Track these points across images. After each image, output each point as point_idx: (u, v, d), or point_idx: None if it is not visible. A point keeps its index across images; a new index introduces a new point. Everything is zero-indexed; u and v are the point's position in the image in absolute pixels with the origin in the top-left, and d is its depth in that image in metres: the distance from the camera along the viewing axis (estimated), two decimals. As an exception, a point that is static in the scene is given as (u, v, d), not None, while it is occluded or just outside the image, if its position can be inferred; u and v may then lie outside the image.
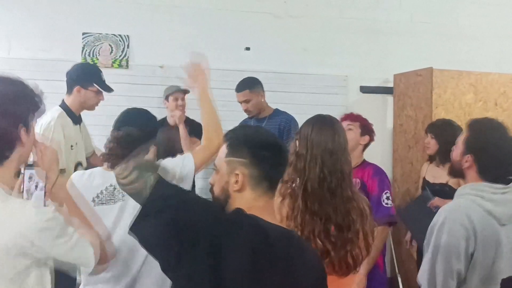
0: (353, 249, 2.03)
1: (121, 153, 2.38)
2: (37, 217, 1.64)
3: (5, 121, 1.65)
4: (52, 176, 1.91)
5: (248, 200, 1.65)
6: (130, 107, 2.69)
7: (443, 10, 5.85)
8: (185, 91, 4.57)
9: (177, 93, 4.57)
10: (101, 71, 3.70)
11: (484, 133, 2.26)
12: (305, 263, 1.63)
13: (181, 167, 2.35)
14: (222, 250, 1.52)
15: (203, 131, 2.72)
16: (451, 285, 2.16)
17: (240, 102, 4.46)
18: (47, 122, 3.42)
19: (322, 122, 2.16)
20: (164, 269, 1.58)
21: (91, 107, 3.68)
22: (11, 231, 1.61)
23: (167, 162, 2.39)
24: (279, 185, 2.11)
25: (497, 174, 2.20)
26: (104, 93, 3.65)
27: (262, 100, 4.47)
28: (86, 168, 3.43)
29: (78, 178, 2.46)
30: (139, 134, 2.42)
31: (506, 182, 2.20)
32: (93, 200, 2.36)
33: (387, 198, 3.13)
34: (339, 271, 2.03)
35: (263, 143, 1.71)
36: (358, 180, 3.00)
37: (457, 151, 2.32)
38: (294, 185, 2.08)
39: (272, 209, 1.70)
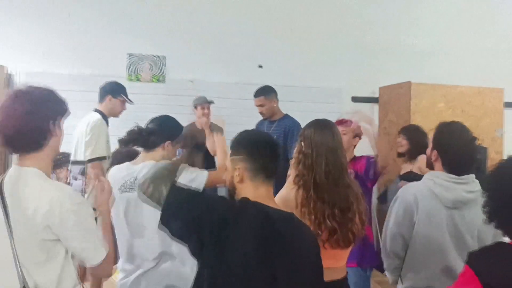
0: (353, 226, 2.07)
1: (135, 138, 2.42)
2: (70, 197, 1.67)
3: (39, 117, 1.71)
4: (104, 211, 1.91)
5: (250, 189, 1.68)
6: (166, 114, 2.68)
7: (421, 34, 5.81)
8: (210, 102, 4.60)
9: (204, 103, 4.60)
10: (125, 88, 3.91)
11: (446, 133, 2.28)
12: (304, 240, 1.66)
13: (191, 180, 2.33)
14: (233, 232, 1.55)
15: (216, 161, 2.78)
16: (395, 245, 2.28)
17: (257, 106, 4.45)
18: (95, 120, 3.64)
19: (321, 125, 2.17)
20: (193, 253, 1.60)
21: (116, 114, 3.86)
22: (45, 205, 1.62)
23: (184, 175, 2.38)
24: (294, 177, 2.15)
25: (457, 168, 2.21)
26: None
27: (275, 105, 4.44)
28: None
29: (112, 171, 2.50)
30: (155, 130, 2.43)
31: (463, 175, 2.21)
32: (120, 188, 2.36)
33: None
34: (342, 244, 2.07)
35: (256, 141, 1.75)
36: (352, 171, 2.93)
37: (429, 148, 2.35)
38: (304, 178, 2.09)
39: (272, 196, 1.72)
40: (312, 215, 2.01)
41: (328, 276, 2.06)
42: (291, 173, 2.20)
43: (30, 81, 4.75)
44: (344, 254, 2.14)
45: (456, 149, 2.21)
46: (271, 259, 1.54)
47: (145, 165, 2.37)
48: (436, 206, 2.18)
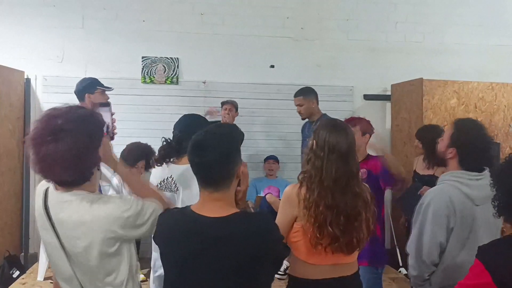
0: (358, 234, 1.99)
1: (168, 154, 2.42)
2: (116, 211, 1.60)
3: (94, 153, 1.60)
4: (112, 163, 1.80)
5: (200, 197, 1.68)
6: (187, 114, 2.67)
7: (431, 31, 5.77)
8: (235, 105, 4.75)
9: (226, 104, 4.74)
10: (96, 78, 3.80)
11: (466, 130, 2.24)
12: (233, 245, 1.57)
13: None
14: (171, 243, 1.65)
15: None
16: (435, 253, 2.17)
17: (296, 105, 4.47)
18: None
19: (336, 127, 2.08)
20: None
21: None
22: (100, 227, 1.58)
23: None
24: (301, 174, 2.09)
25: (474, 164, 2.19)
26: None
27: (313, 106, 4.44)
28: None
29: (154, 170, 2.53)
30: (182, 136, 2.40)
31: (480, 170, 2.19)
32: (157, 186, 2.41)
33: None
34: (345, 251, 2.00)
35: (191, 145, 1.65)
36: (365, 170, 2.88)
37: (442, 144, 2.30)
38: (312, 178, 2.02)
39: (211, 202, 1.63)
40: (312, 218, 1.94)
41: (337, 273, 2.04)
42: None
43: (47, 85, 4.85)
44: (347, 258, 2.06)
45: (475, 146, 2.18)
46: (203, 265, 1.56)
47: (179, 168, 2.39)
48: (469, 206, 2.14)
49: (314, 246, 1.97)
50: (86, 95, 3.68)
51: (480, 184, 2.14)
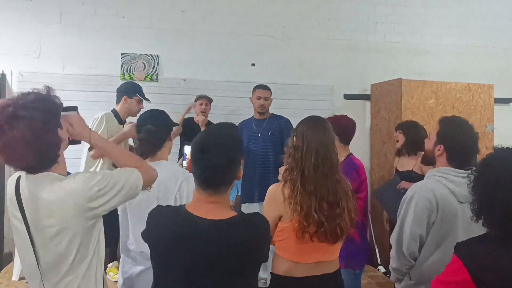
0: (341, 222, 2.04)
1: (147, 150, 2.40)
2: (85, 185, 1.60)
3: (51, 134, 1.60)
4: (86, 135, 1.78)
5: (195, 197, 1.69)
6: (151, 109, 2.68)
7: (410, 32, 5.84)
8: (209, 99, 4.70)
9: (203, 98, 4.70)
10: (141, 88, 3.90)
11: (453, 127, 2.28)
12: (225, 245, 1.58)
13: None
14: (168, 243, 1.61)
15: None
16: (414, 246, 2.22)
17: (260, 98, 4.30)
18: (97, 116, 3.72)
19: (314, 121, 2.17)
20: None
21: (134, 114, 3.85)
22: (70, 202, 1.58)
23: None
24: (283, 172, 2.13)
25: (461, 161, 2.22)
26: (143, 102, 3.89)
27: (270, 104, 4.37)
28: None
29: None
30: (157, 129, 2.42)
31: (468, 169, 2.20)
32: None
33: None
34: (330, 239, 2.04)
35: (194, 147, 1.66)
36: None
37: (430, 142, 2.34)
38: (293, 171, 2.08)
39: (208, 204, 1.64)
40: (298, 206, 1.99)
41: (320, 270, 2.08)
42: (282, 168, 2.19)
43: (23, 81, 4.76)
44: (333, 249, 2.12)
45: (462, 142, 2.22)
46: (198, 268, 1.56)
47: (157, 166, 2.35)
48: (453, 202, 2.16)
49: (301, 236, 2.00)
50: (124, 97, 3.78)
51: (465, 182, 2.16)
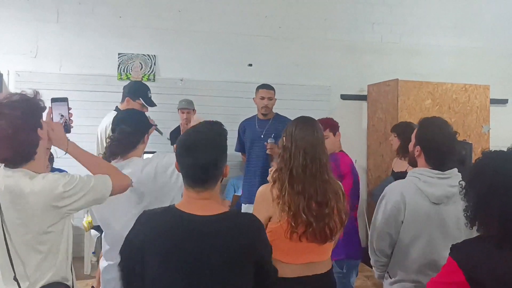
0: (330, 222, 2.04)
1: (117, 150, 2.35)
2: (52, 185, 1.71)
3: (29, 133, 1.73)
4: (63, 144, 1.89)
5: (185, 195, 1.68)
6: (127, 109, 2.65)
7: (407, 33, 5.86)
8: (188, 108, 4.56)
9: (183, 108, 4.57)
10: (149, 90, 3.69)
11: (429, 128, 2.27)
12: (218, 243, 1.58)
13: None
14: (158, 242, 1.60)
15: None
16: (382, 244, 2.28)
17: (264, 98, 4.21)
18: (104, 125, 3.53)
19: (303, 122, 2.17)
20: None
21: None
22: (38, 199, 1.69)
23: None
24: (272, 172, 2.14)
25: (438, 162, 2.22)
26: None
27: (274, 104, 4.31)
28: None
29: None
30: (131, 131, 2.36)
31: (445, 169, 2.22)
32: None
33: None
34: (319, 239, 2.04)
35: (181, 144, 1.67)
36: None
37: (411, 143, 2.35)
38: (282, 171, 2.08)
39: (198, 201, 1.64)
40: (286, 206, 1.99)
41: (311, 271, 2.09)
42: (272, 169, 2.20)
43: (20, 81, 4.74)
44: (323, 249, 2.12)
45: (438, 143, 2.21)
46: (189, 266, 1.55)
47: (128, 162, 2.33)
48: (422, 203, 2.18)
49: (290, 236, 2.00)
50: (127, 98, 3.59)
51: (441, 183, 2.18)
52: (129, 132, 2.36)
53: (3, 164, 1.78)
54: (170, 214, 1.63)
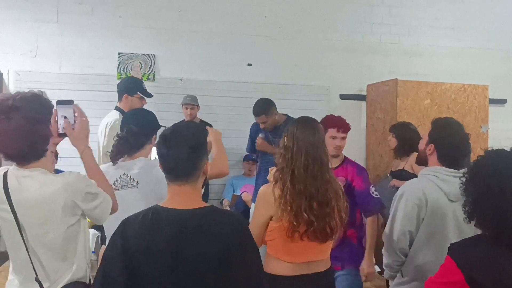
0: (331, 221, 2.06)
1: (124, 149, 2.37)
2: (79, 183, 1.74)
3: (44, 126, 1.75)
4: (81, 147, 1.90)
5: (168, 192, 1.69)
6: (138, 108, 2.67)
7: (406, 33, 5.86)
8: (193, 104, 4.64)
9: (187, 104, 4.65)
10: (142, 82, 3.77)
11: (443, 127, 2.32)
12: (203, 238, 1.57)
13: None
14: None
15: (214, 160, 2.48)
16: (403, 242, 2.26)
17: (259, 122, 4.22)
18: (113, 121, 3.46)
19: (305, 122, 2.19)
20: None
21: None
22: (62, 195, 1.69)
23: None
24: (274, 172, 2.15)
25: (452, 161, 2.25)
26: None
27: (276, 117, 4.19)
28: None
29: (103, 168, 2.43)
30: (139, 131, 2.37)
31: (459, 168, 2.24)
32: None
33: (375, 190, 2.92)
34: (320, 238, 2.06)
35: (161, 138, 1.68)
36: (344, 179, 2.82)
37: (423, 142, 2.38)
38: (283, 171, 2.10)
39: (180, 196, 1.64)
40: (288, 206, 2.01)
41: (310, 269, 2.11)
42: (273, 169, 2.20)
43: (20, 80, 4.74)
44: (323, 248, 2.14)
45: (453, 142, 2.26)
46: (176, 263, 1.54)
47: (135, 162, 2.35)
48: (442, 200, 2.20)
49: (291, 235, 2.02)
50: (124, 95, 3.61)
51: (457, 181, 2.18)
52: (136, 132, 2.37)
53: (14, 164, 1.77)
54: (150, 212, 1.63)
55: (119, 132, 2.50)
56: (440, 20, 5.91)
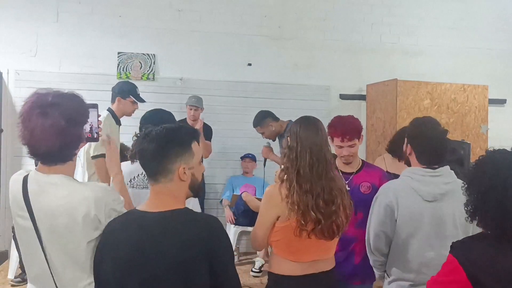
0: (337, 219, 2.07)
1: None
2: (107, 196, 1.64)
3: (73, 132, 1.63)
4: (113, 171, 2.00)
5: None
6: (156, 108, 2.70)
7: (406, 33, 5.86)
8: (197, 106, 4.65)
9: (191, 105, 4.66)
10: (136, 87, 3.85)
11: (418, 127, 2.32)
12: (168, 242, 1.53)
13: None
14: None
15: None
16: (378, 242, 2.31)
17: (259, 132, 4.47)
18: (100, 118, 3.48)
19: (307, 121, 2.18)
20: None
21: (128, 114, 3.84)
22: (86, 206, 1.58)
23: None
24: (279, 172, 2.15)
25: (429, 160, 2.25)
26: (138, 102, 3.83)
27: (273, 128, 4.37)
28: None
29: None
30: None
31: (439, 167, 2.24)
32: (127, 184, 2.39)
33: None
34: (327, 236, 2.06)
35: (141, 135, 1.67)
36: (369, 184, 2.65)
37: (404, 143, 2.38)
38: (288, 171, 2.10)
39: (154, 196, 1.63)
40: (295, 205, 2.01)
41: (316, 268, 2.11)
42: (278, 170, 2.21)
43: (19, 79, 4.73)
44: (330, 246, 2.15)
45: (427, 140, 2.25)
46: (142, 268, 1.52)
47: None
48: (416, 201, 2.20)
49: (299, 234, 2.02)
50: (118, 98, 3.73)
51: (434, 181, 2.21)
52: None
53: (37, 167, 1.67)
54: (126, 215, 1.62)
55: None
56: (440, 20, 5.91)
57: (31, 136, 1.58)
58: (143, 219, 1.57)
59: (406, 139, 2.34)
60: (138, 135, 2.40)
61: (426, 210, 2.19)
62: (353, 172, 2.69)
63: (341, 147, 2.66)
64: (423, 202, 2.20)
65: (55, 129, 1.56)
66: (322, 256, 2.14)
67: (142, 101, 3.82)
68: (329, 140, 2.51)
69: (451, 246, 1.62)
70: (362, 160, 2.82)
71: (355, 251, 2.61)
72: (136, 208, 1.66)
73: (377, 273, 2.45)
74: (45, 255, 1.60)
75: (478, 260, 1.53)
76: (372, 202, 2.35)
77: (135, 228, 1.55)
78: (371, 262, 2.43)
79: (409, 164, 2.36)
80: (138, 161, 2.40)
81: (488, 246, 1.55)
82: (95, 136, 1.83)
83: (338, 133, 2.66)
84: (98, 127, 1.84)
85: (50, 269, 1.60)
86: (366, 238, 2.40)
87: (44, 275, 1.62)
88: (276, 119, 4.42)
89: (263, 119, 4.40)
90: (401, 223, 2.23)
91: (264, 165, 4.53)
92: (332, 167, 2.14)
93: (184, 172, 1.62)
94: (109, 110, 3.77)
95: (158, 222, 1.55)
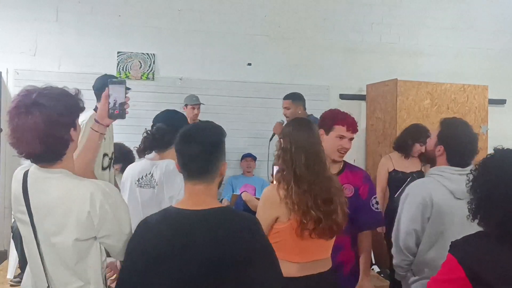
0: (337, 217, 2.08)
1: (150, 145, 2.44)
2: (105, 194, 1.59)
3: (63, 130, 1.58)
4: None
5: (184, 192, 1.67)
6: (170, 109, 2.73)
7: (406, 33, 5.86)
8: (199, 103, 4.66)
9: (194, 104, 4.66)
10: (113, 76, 3.69)
11: (452, 128, 2.35)
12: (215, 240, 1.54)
13: None
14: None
15: None
16: (409, 240, 2.30)
17: (283, 107, 4.48)
18: (84, 119, 3.36)
19: (299, 123, 2.20)
20: None
21: None
22: (85, 203, 1.54)
23: None
24: (275, 174, 2.15)
25: (460, 161, 2.29)
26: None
27: (299, 112, 4.41)
28: (111, 159, 3.47)
29: (131, 166, 2.59)
30: (167, 129, 2.43)
31: (464, 166, 2.28)
32: (135, 183, 2.44)
33: (376, 203, 2.63)
34: (327, 235, 2.08)
35: (179, 137, 1.67)
36: (351, 187, 2.58)
37: (431, 142, 2.41)
38: (284, 172, 2.10)
39: (194, 196, 1.62)
40: (295, 206, 2.02)
41: (315, 269, 2.12)
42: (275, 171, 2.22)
43: (19, 79, 4.73)
44: (327, 246, 2.16)
45: (462, 144, 2.29)
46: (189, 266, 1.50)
47: (162, 163, 2.40)
48: (448, 199, 2.22)
49: (301, 233, 2.03)
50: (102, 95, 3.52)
51: (463, 179, 2.19)
52: (164, 130, 2.44)
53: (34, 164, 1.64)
54: (162, 213, 1.62)
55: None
56: (440, 20, 5.91)
57: (13, 136, 1.56)
58: (186, 218, 1.57)
59: (436, 140, 2.36)
60: (147, 131, 2.47)
61: (457, 207, 2.19)
62: (336, 174, 2.53)
63: (343, 137, 2.55)
64: (454, 200, 2.22)
65: (34, 132, 1.52)
66: (321, 256, 2.15)
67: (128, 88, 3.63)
68: (323, 134, 2.53)
69: (450, 245, 1.62)
70: (344, 161, 2.71)
71: (343, 263, 2.52)
72: (172, 205, 1.67)
73: (400, 273, 2.42)
74: (40, 253, 1.59)
75: (477, 258, 1.53)
76: (401, 202, 2.35)
77: (174, 225, 1.56)
78: (397, 263, 2.39)
79: (427, 162, 2.39)
80: (146, 158, 2.45)
81: (488, 244, 1.55)
82: (120, 112, 1.76)
83: (343, 121, 2.59)
84: (126, 103, 1.78)
85: (44, 268, 1.59)
86: (393, 238, 2.37)
87: (38, 274, 1.62)
88: (305, 107, 4.51)
89: (299, 98, 4.47)
90: (434, 220, 2.24)
91: (270, 140, 4.58)
92: (327, 166, 2.15)
93: (225, 168, 1.69)
94: (95, 109, 3.59)
95: (204, 221, 1.55)
